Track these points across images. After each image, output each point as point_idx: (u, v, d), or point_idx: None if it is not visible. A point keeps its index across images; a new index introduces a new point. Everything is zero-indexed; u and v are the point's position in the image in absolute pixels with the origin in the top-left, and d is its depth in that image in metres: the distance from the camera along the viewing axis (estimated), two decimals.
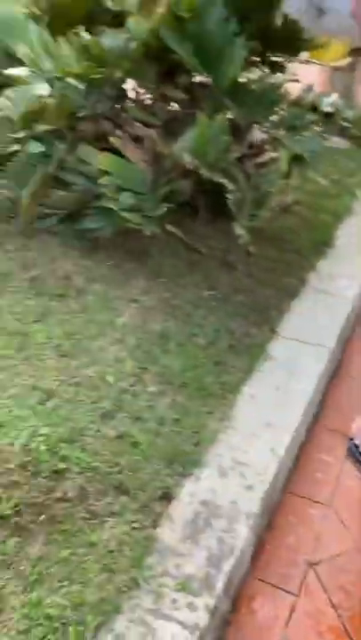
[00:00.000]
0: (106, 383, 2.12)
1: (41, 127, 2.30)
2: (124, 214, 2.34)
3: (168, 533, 1.63)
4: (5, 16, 2.86)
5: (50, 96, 2.22)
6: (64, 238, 2.83)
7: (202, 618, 1.44)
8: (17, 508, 1.62)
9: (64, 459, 1.79)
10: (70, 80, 2.33)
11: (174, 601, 1.47)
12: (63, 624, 1.39)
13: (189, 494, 1.75)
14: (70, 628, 1.38)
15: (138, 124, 2.75)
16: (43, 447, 1.80)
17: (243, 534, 1.63)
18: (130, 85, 3.03)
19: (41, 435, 1.85)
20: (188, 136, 2.46)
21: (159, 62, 2.58)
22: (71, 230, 2.82)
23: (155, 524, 1.66)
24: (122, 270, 2.73)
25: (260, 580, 1.73)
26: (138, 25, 2.38)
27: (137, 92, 3.11)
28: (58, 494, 1.68)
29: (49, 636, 1.36)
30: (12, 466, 1.73)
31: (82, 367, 2.18)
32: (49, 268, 2.69)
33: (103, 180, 2.35)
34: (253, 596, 1.69)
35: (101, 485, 1.74)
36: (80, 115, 2.56)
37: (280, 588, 1.72)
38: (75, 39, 2.41)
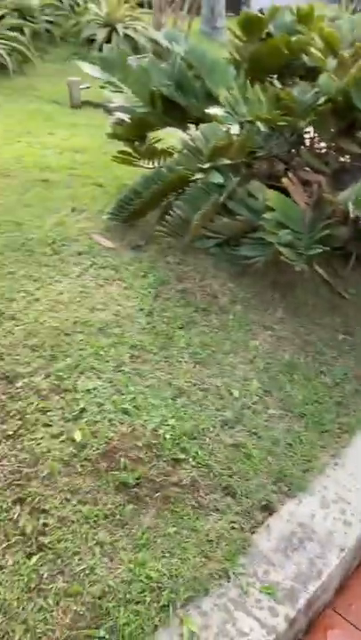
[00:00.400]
0: (231, 396, 2.32)
1: (223, 161, 2.59)
2: (281, 249, 2.54)
3: (263, 541, 1.77)
4: (210, 60, 3.23)
5: (237, 135, 2.50)
6: (217, 260, 3.10)
7: (280, 624, 1.56)
8: (138, 481, 1.87)
9: (184, 450, 2.01)
10: (258, 123, 2.59)
11: (258, 601, 1.61)
12: (159, 587, 1.60)
13: (289, 513, 1.87)
14: (164, 592, 1.58)
15: (309, 169, 2.95)
16: (168, 436, 2.04)
17: (333, 563, 1.72)
18: (307, 133, 3.24)
19: (168, 425, 2.09)
20: (355, 188, 2.60)
21: (342, 117, 2.76)
22: (225, 254, 3.08)
23: (252, 530, 1.81)
24: (264, 298, 2.93)
25: (339, 614, 1.80)
26: (329, 82, 2.59)
27: (312, 140, 3.32)
28: (174, 479, 1.90)
29: (146, 592, 1.57)
30: (140, 444, 1.99)
31: (212, 376, 2.40)
32: (199, 284, 2.96)
33: (267, 215, 2.57)
34: (330, 627, 1.76)
35: (211, 482, 1.93)
36: (258, 154, 2.82)
37: (359, 630, 1.77)
38: (269, 87, 2.68)
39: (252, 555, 1.73)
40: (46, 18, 7.62)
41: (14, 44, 6.27)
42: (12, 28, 6.62)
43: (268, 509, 1.88)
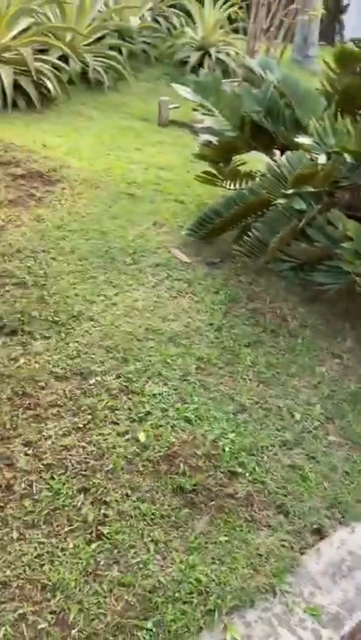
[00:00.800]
0: (292, 418, 2.35)
1: (307, 188, 2.65)
2: (357, 278, 2.56)
3: (312, 564, 1.79)
4: (302, 89, 3.31)
5: (323, 165, 2.56)
6: (290, 284, 3.14)
7: None
8: (195, 487, 1.94)
9: (241, 465, 2.06)
10: (345, 155, 2.63)
11: (302, 620, 1.63)
12: (207, 591, 1.65)
13: (340, 540, 1.88)
14: (212, 597, 1.63)
15: None
16: (227, 448, 2.10)
17: None
18: None
19: (228, 438, 2.15)
20: None
21: None
22: (299, 278, 3.12)
23: (302, 551, 1.83)
24: (334, 326, 2.94)
25: None
26: None
27: None
28: (229, 490, 1.96)
29: (194, 594, 1.63)
30: (199, 452, 2.06)
31: (275, 397, 2.44)
32: (269, 305, 3.01)
33: (346, 245, 2.60)
34: None
35: (266, 499, 1.97)
36: (341, 184, 2.86)
37: None
38: (359, 121, 2.72)
39: (299, 575, 1.75)
40: (144, 39, 7.98)
41: (112, 63, 6.61)
42: (111, 48, 6.98)
43: (320, 533, 1.90)
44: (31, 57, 5.16)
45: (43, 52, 5.80)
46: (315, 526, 1.91)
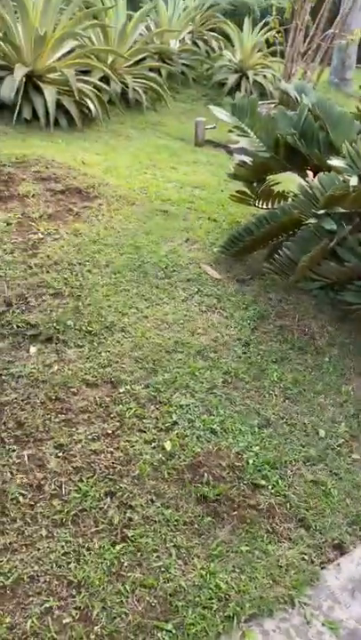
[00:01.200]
0: (317, 435, 2.37)
1: (338, 209, 2.70)
2: None
3: (332, 578, 1.81)
4: (337, 113, 3.37)
5: (355, 186, 2.61)
6: (319, 302, 3.18)
7: None
8: (218, 497, 1.98)
9: (265, 477, 2.10)
10: None
11: (320, 633, 1.65)
12: (226, 598, 1.69)
13: None
14: (231, 604, 1.67)
15: None
16: (251, 461, 2.15)
17: None
18: None
19: (252, 451, 2.20)
20: None
21: None
22: (328, 297, 3.16)
23: (322, 565, 1.85)
24: None
25: None
26: None
27: None
28: (251, 502, 2.00)
29: (213, 600, 1.67)
30: (224, 463, 2.11)
31: (300, 413, 2.47)
32: (297, 323, 3.05)
33: None
34: None
35: (288, 512, 2.00)
36: None
37: None
38: None
39: (319, 588, 1.77)
40: (183, 61, 8.19)
41: (151, 84, 6.82)
42: (150, 69, 7.20)
43: (341, 549, 1.91)
44: (74, 78, 5.38)
45: (85, 73, 6.03)
46: (336, 542, 1.93)
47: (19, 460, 1.96)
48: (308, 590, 1.76)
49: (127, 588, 1.66)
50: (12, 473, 1.92)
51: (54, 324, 2.57)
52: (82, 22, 5.96)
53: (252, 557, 1.82)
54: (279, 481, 2.09)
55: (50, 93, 5.28)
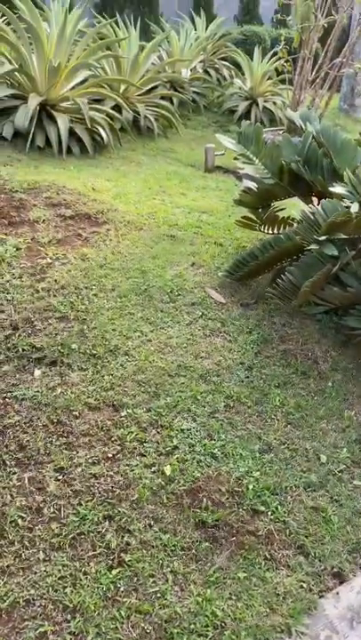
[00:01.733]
0: (318, 460, 2.37)
1: (340, 235, 2.74)
2: None
3: (330, 607, 1.79)
4: (341, 140, 3.43)
5: (356, 213, 2.65)
6: (323, 327, 3.19)
7: None
8: (217, 522, 1.98)
9: (264, 503, 2.09)
10: None
11: None
12: (222, 626, 1.68)
13: None
14: (226, 632, 1.66)
15: None
16: (251, 487, 2.14)
17: None
18: None
19: (252, 476, 2.19)
20: None
21: None
22: (331, 322, 3.17)
23: (321, 594, 1.83)
24: None
25: None
26: None
27: None
28: (250, 528, 1.99)
29: (209, 627, 1.66)
30: (223, 489, 2.11)
31: (302, 438, 2.47)
32: (301, 347, 3.06)
33: None
34: None
35: (287, 539, 1.99)
36: None
37: None
38: None
39: (316, 617, 1.76)
40: (194, 89, 8.38)
41: (163, 112, 6.97)
42: (162, 97, 7.37)
43: (340, 577, 1.89)
44: (86, 107, 5.52)
45: (98, 101, 6.19)
46: (335, 570, 1.91)
47: (19, 483, 1.98)
48: (306, 619, 1.74)
49: (122, 613, 1.66)
50: (11, 495, 1.94)
51: (59, 348, 2.61)
52: (95, 53, 6.14)
53: (249, 584, 1.81)
54: (279, 507, 2.09)
55: (63, 122, 5.43)
